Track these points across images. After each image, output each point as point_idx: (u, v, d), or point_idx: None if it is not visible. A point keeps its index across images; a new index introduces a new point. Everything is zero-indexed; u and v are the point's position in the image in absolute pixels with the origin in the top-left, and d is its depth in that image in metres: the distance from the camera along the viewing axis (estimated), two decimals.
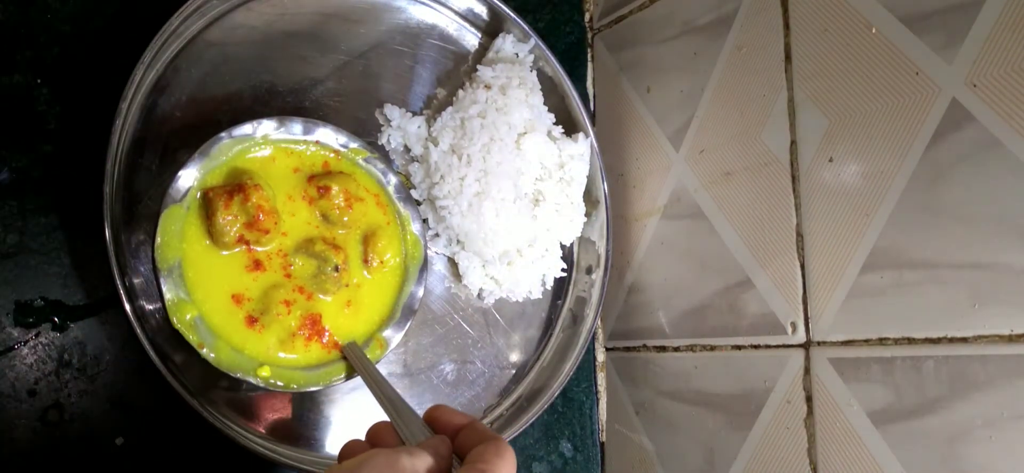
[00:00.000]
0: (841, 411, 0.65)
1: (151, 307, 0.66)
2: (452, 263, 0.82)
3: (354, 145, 0.73)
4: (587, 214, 0.85)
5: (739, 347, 0.76)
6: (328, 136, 0.71)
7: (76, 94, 0.68)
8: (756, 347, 0.74)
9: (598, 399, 0.93)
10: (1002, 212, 0.55)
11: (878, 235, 0.63)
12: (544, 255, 0.83)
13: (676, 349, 0.84)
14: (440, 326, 0.80)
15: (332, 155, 0.72)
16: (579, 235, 0.86)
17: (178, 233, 0.64)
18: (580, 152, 0.82)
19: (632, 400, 0.89)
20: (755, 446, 0.73)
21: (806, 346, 0.69)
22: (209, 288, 0.65)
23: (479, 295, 0.82)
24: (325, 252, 0.68)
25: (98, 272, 0.66)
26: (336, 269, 0.68)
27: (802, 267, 0.70)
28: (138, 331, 0.61)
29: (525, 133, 0.79)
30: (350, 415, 0.73)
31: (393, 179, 0.75)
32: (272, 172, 0.69)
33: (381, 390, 0.61)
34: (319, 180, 0.70)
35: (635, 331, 0.90)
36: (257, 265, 0.67)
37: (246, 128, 0.67)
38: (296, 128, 0.70)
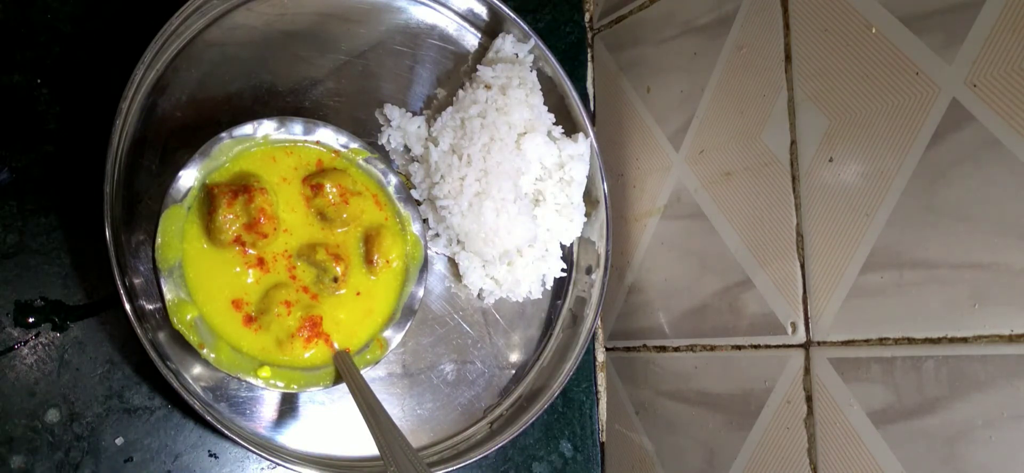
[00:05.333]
0: (841, 411, 0.65)
1: (151, 307, 0.66)
2: (452, 263, 0.82)
3: (354, 145, 0.73)
4: (587, 214, 0.85)
5: (739, 347, 0.76)
6: (328, 136, 0.71)
7: (76, 94, 0.68)
8: (756, 347, 0.74)
9: (598, 399, 0.93)
10: (1002, 212, 0.55)
11: (878, 235, 0.63)
12: (544, 255, 0.83)
13: (676, 349, 0.84)
14: (440, 326, 0.80)
15: (331, 154, 0.72)
16: (579, 235, 0.86)
17: (178, 233, 0.64)
18: (580, 152, 0.82)
19: (632, 400, 0.89)
20: (755, 446, 0.73)
21: (806, 346, 0.69)
22: (210, 289, 0.65)
23: (479, 295, 0.82)
24: (326, 262, 0.68)
25: (98, 272, 0.66)
26: (334, 280, 0.68)
27: (802, 267, 0.70)
28: (138, 331, 0.61)
29: (525, 133, 0.79)
30: (351, 415, 0.73)
31: (393, 179, 0.75)
32: (273, 172, 0.69)
33: (367, 402, 0.62)
34: (312, 178, 0.70)
35: (635, 331, 0.90)
36: (260, 264, 0.67)
37: (246, 128, 0.67)
38: (296, 128, 0.70)
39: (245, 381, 0.65)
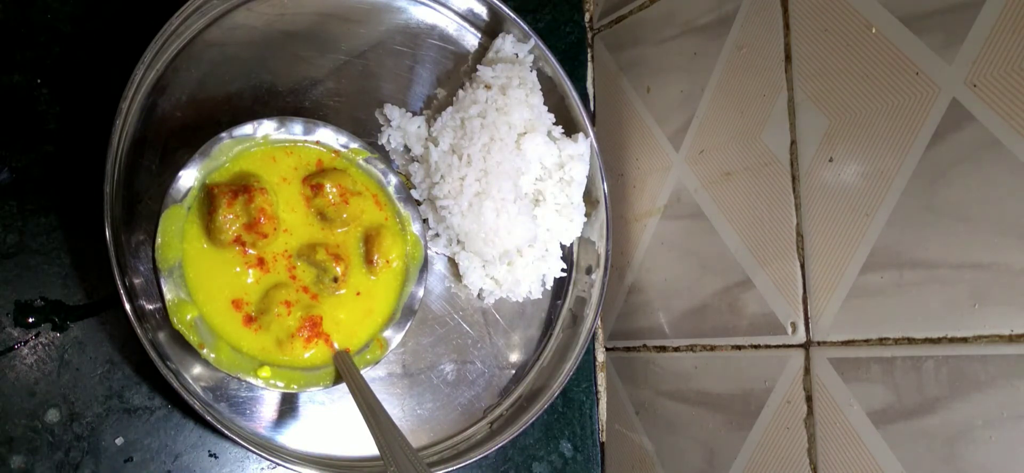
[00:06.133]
0: (841, 411, 0.65)
1: (151, 307, 0.66)
2: (452, 263, 0.82)
3: (354, 145, 0.73)
4: (587, 214, 0.85)
5: (739, 347, 0.76)
6: (328, 136, 0.71)
7: (76, 94, 0.68)
8: (756, 347, 0.74)
9: (598, 399, 0.93)
10: (1002, 212, 0.55)
11: (878, 235, 0.63)
12: (544, 255, 0.83)
13: (676, 349, 0.84)
14: (440, 326, 0.80)
15: (331, 154, 0.72)
16: (579, 235, 0.86)
17: (178, 233, 0.64)
18: (580, 152, 0.82)
19: (632, 400, 0.89)
20: (755, 446, 0.73)
21: (806, 346, 0.69)
22: (210, 289, 0.65)
23: (479, 295, 0.82)
24: (326, 262, 0.68)
25: (98, 272, 0.66)
26: (334, 280, 0.68)
27: (802, 267, 0.70)
28: (138, 331, 0.61)
29: (525, 133, 0.79)
30: (351, 415, 0.73)
31: (393, 179, 0.75)
32: (273, 172, 0.69)
33: (367, 402, 0.62)
34: (312, 178, 0.70)
35: (635, 331, 0.90)
36: (260, 264, 0.67)
37: (246, 128, 0.67)
38: (296, 128, 0.70)
39: (245, 381, 0.65)
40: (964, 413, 0.57)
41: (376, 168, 0.74)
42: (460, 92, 0.79)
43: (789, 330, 0.71)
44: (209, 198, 0.64)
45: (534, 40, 0.83)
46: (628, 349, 0.91)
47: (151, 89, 0.69)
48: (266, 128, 0.68)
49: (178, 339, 0.63)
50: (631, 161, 0.92)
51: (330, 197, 0.69)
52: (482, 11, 0.84)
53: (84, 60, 0.68)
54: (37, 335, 0.64)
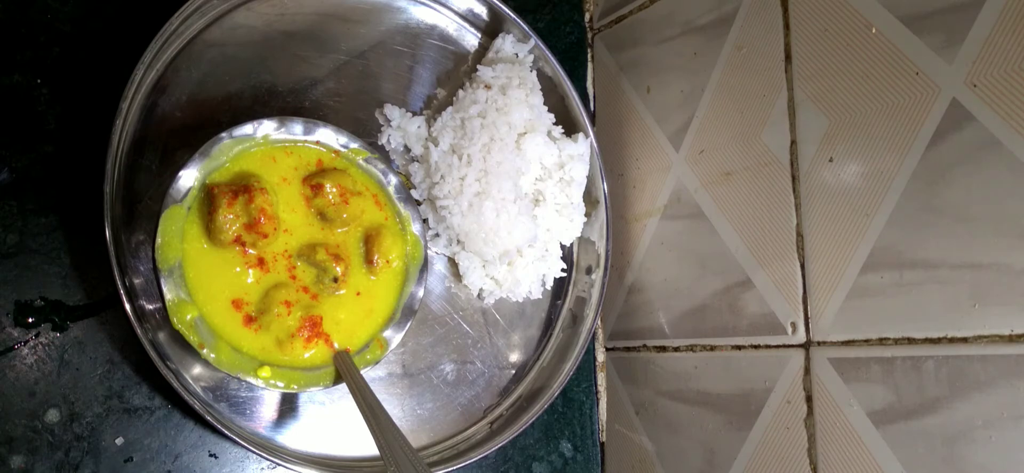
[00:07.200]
0: (841, 411, 0.65)
1: (151, 307, 0.66)
2: (452, 263, 0.82)
3: (354, 145, 0.73)
4: (587, 214, 0.85)
5: (739, 347, 0.76)
6: (328, 136, 0.71)
7: (76, 94, 0.68)
8: (756, 347, 0.74)
9: (598, 399, 0.93)
10: (1002, 212, 0.55)
11: (878, 235, 0.63)
12: (544, 255, 0.83)
13: (676, 349, 0.83)
14: (440, 326, 0.80)
15: (331, 154, 0.72)
16: (579, 235, 0.86)
17: (178, 233, 0.64)
18: (580, 152, 0.82)
19: (632, 400, 0.89)
20: (755, 446, 0.73)
21: (806, 346, 0.69)
22: (210, 289, 0.65)
23: (479, 295, 0.82)
24: (326, 262, 0.68)
25: (98, 272, 0.66)
26: (334, 280, 0.68)
27: (802, 267, 0.70)
28: (138, 331, 0.61)
29: (525, 133, 0.79)
30: (351, 415, 0.73)
31: (393, 179, 0.75)
32: (273, 172, 0.69)
33: (367, 402, 0.62)
34: (312, 178, 0.70)
35: (635, 331, 0.90)
36: (261, 264, 0.67)
37: (246, 128, 0.67)
38: (296, 128, 0.70)
39: (245, 381, 0.65)
40: (964, 413, 0.57)
41: (376, 168, 0.74)
42: (460, 92, 0.79)
43: (789, 330, 0.71)
44: (209, 198, 0.64)
45: (534, 40, 0.83)
46: (628, 349, 0.91)
47: (151, 89, 0.69)
48: (266, 128, 0.68)
49: (178, 339, 0.63)
50: (631, 161, 0.92)
51: (330, 197, 0.69)
52: (482, 11, 0.84)
53: (84, 60, 0.68)
54: (37, 335, 0.64)
